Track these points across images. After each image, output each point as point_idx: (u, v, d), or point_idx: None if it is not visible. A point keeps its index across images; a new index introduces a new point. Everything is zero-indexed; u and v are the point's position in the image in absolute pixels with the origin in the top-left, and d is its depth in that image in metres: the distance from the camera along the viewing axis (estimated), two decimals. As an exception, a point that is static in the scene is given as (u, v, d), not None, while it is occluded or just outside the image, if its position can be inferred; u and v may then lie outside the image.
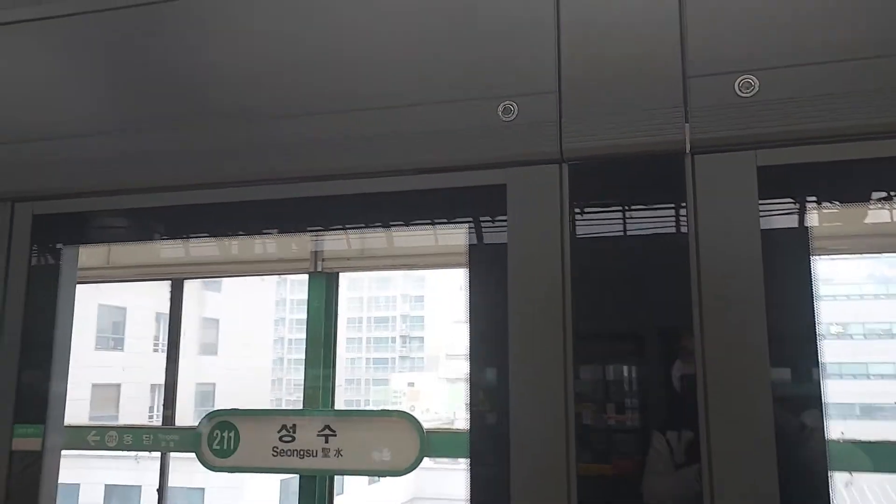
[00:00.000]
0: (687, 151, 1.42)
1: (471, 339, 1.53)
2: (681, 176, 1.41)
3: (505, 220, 1.50)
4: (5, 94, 1.92)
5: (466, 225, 1.59)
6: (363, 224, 1.78)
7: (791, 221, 1.44)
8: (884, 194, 1.50)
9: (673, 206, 1.44)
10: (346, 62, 1.66)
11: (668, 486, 1.38)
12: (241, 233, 1.96)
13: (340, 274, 6.24)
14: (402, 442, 5.46)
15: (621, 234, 1.49)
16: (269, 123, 1.67)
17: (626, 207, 1.49)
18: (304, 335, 5.97)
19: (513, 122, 1.53)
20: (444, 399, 28.47)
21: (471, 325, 1.53)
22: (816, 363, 1.34)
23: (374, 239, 6.29)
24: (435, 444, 5.64)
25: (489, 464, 1.48)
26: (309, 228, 2.04)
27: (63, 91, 1.89)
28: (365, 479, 15.46)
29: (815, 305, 1.35)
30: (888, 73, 1.34)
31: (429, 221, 1.74)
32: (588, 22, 1.52)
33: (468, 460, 1.49)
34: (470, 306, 1.54)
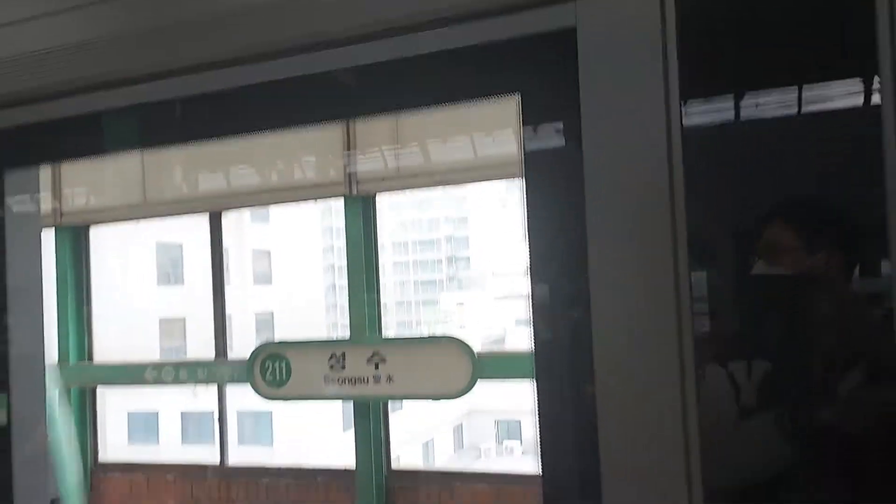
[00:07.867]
0: None
1: (530, 253, 1.09)
2: (869, 13, 0.88)
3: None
4: None
5: (517, 95, 1.07)
6: (410, 103, 1.32)
7: None
8: None
9: (857, 60, 0.93)
10: None
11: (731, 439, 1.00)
12: (258, 129, 1.46)
13: (378, 196, 6.08)
14: (454, 367, 5.43)
15: (768, 108, 0.96)
16: None
17: (775, 67, 0.96)
18: (351, 261, 5.85)
19: None
20: (493, 316, 28.78)
21: (529, 239, 1.09)
22: None
23: (410, 157, 6.03)
24: (486, 366, 5.61)
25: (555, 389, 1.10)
26: (336, 114, 1.57)
27: None
28: (421, 396, 15.96)
29: None
30: None
31: (485, 93, 1.20)
32: None
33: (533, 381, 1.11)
34: (528, 215, 1.09)
